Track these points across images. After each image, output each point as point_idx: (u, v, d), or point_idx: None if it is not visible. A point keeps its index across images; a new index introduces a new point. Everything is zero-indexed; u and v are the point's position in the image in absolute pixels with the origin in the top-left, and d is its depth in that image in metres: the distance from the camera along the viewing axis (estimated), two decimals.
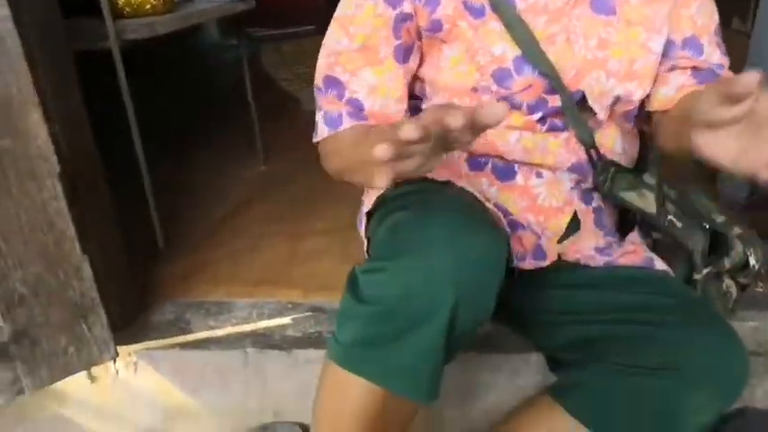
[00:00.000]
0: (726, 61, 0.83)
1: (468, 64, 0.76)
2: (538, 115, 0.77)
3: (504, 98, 0.76)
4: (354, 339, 0.65)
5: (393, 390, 0.65)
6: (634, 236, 0.88)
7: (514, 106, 0.77)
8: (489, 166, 0.81)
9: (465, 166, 0.82)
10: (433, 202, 0.69)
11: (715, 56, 0.82)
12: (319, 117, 0.79)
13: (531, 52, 0.74)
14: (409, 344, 0.62)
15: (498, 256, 0.63)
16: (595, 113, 0.79)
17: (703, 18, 0.81)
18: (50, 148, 0.86)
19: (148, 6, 1.29)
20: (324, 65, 0.79)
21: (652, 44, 0.78)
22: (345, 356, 0.66)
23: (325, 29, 0.79)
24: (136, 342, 1.07)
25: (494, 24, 0.74)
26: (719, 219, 0.90)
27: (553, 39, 0.75)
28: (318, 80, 0.79)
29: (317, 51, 0.80)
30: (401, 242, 0.63)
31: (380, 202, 0.82)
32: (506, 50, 0.74)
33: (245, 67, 1.86)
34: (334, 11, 0.79)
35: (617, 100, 0.79)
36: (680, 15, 0.80)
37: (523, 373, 0.98)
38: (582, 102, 0.78)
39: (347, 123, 0.76)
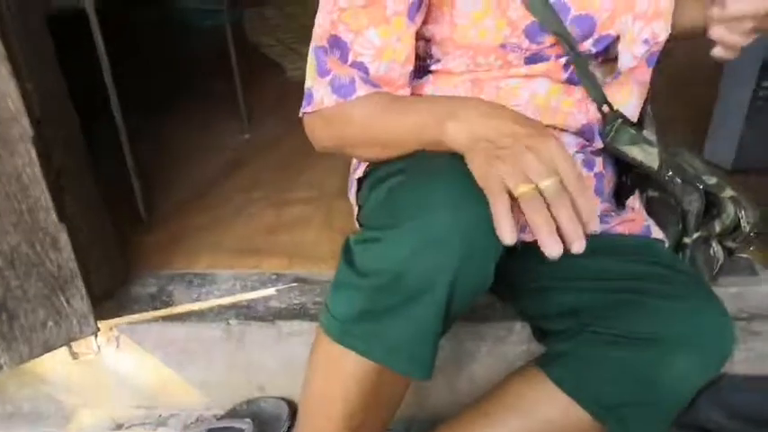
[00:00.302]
0: None
1: (497, 19, 0.69)
2: (563, 60, 0.73)
3: (535, 53, 0.71)
4: (351, 313, 0.63)
5: (395, 368, 0.63)
6: (634, 202, 0.86)
7: (542, 58, 0.72)
8: None
9: None
10: (432, 166, 0.63)
11: None
12: (323, 81, 0.71)
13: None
14: (409, 318, 0.60)
15: None
16: (616, 67, 0.75)
17: None
18: (22, 108, 0.81)
19: None
20: (327, 23, 0.70)
21: None
22: (341, 331, 0.64)
23: None
24: (117, 316, 1.05)
25: None
26: (711, 180, 0.88)
27: None
28: (321, 39, 0.71)
29: (301, 15, 0.74)
30: (399, 209, 0.60)
31: (374, 167, 0.78)
32: (537, 2, 0.68)
33: (228, 32, 1.80)
34: None
35: (646, 44, 0.75)
36: None
37: (508, 341, 0.98)
38: (604, 52, 0.74)
39: (362, 91, 0.69)
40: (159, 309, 1.07)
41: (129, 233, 1.28)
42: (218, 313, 1.05)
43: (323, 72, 0.71)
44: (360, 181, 0.82)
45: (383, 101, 0.70)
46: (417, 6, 0.70)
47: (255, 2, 3.84)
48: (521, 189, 0.54)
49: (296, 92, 0.75)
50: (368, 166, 0.80)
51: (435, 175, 0.60)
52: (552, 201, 0.54)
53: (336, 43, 0.69)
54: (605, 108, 0.76)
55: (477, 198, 0.56)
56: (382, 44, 0.69)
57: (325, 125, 0.73)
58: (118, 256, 1.14)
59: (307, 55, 0.74)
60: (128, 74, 1.33)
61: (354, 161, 0.89)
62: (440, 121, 0.62)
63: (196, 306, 1.07)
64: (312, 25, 0.74)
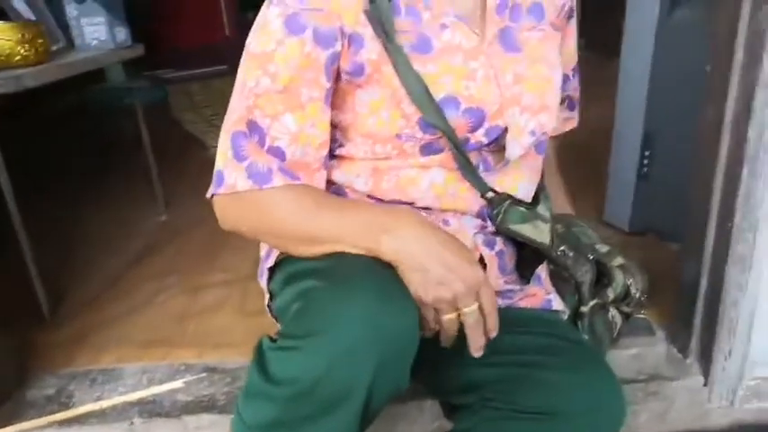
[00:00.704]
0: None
1: (392, 110, 0.72)
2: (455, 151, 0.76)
3: (429, 143, 0.74)
4: (264, 422, 0.61)
5: None
6: (541, 272, 0.89)
7: (436, 150, 0.75)
8: None
9: None
10: (348, 269, 0.65)
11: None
12: (238, 166, 0.70)
13: (424, 101, 0.72)
14: (326, 426, 0.60)
15: (414, 329, 0.62)
16: (504, 155, 0.78)
17: (575, 47, 0.91)
18: None
19: (18, 58, 1.21)
20: (243, 108, 0.71)
21: (556, 79, 0.81)
22: None
23: (236, 67, 0.72)
24: (9, 424, 0.97)
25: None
26: (603, 249, 0.93)
27: (474, 74, 0.74)
28: (238, 123, 0.71)
29: (226, 90, 0.73)
30: (316, 318, 0.60)
31: (286, 258, 0.77)
32: (424, 99, 0.72)
33: (138, 111, 1.79)
34: (241, 49, 0.72)
35: (533, 135, 0.79)
36: (568, 49, 0.89)
37: (420, 420, 0.97)
38: (495, 141, 0.77)
39: (278, 181, 0.70)
40: (56, 412, 1.00)
41: (31, 331, 1.21)
42: (122, 412, 1.00)
43: (239, 157, 0.71)
44: (271, 269, 0.81)
45: (311, 197, 0.71)
46: (332, 92, 0.72)
47: (182, 78, 3.88)
48: (449, 316, 0.65)
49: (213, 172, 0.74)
50: (279, 255, 0.80)
51: (352, 281, 0.62)
52: (469, 324, 0.66)
53: (254, 128, 0.70)
54: (489, 194, 0.80)
55: (395, 307, 0.59)
56: (297, 129, 0.70)
57: (240, 208, 0.73)
58: (12, 358, 1.07)
59: None
60: (36, 156, 1.29)
61: (265, 247, 0.88)
62: (375, 233, 0.66)
63: (98, 406, 1.01)
64: None
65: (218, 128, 0.72)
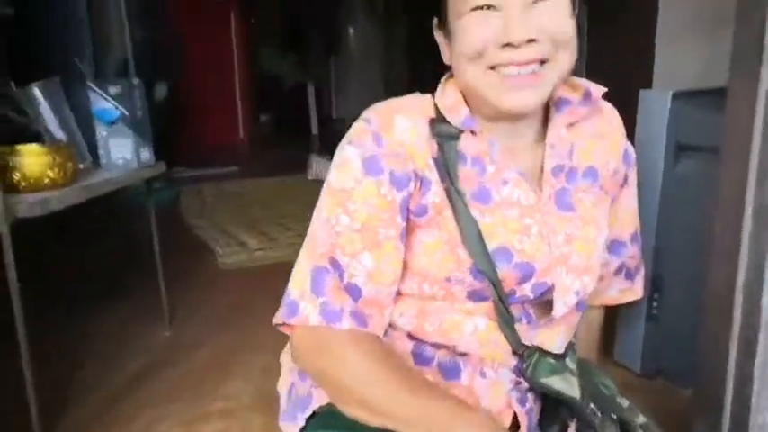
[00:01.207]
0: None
1: (447, 254, 0.75)
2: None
3: (477, 290, 0.76)
4: None
5: None
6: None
7: (483, 297, 0.76)
8: (435, 362, 0.79)
9: (410, 359, 0.79)
10: None
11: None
12: (314, 300, 0.73)
13: (478, 249, 0.74)
14: None
15: None
16: (550, 311, 0.79)
17: (636, 210, 0.94)
18: None
19: (47, 180, 1.26)
20: (327, 243, 0.73)
21: (600, 241, 0.83)
22: None
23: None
24: None
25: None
26: (625, 404, 0.91)
27: (528, 231, 0.76)
28: (322, 259, 0.74)
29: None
30: None
31: (330, 410, 0.76)
32: (478, 248, 0.74)
33: (152, 219, 1.80)
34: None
35: (577, 295, 0.81)
36: (626, 213, 0.92)
37: None
38: (540, 296, 0.79)
39: (346, 324, 0.72)
40: None
41: None
42: None
43: (318, 291, 0.73)
44: (308, 419, 0.80)
45: (383, 361, 0.72)
46: (405, 230, 0.75)
47: (194, 179, 3.97)
48: None
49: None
50: (321, 404, 0.79)
51: None
52: None
53: (336, 265, 0.73)
54: (520, 350, 0.80)
55: None
56: (374, 268, 0.73)
57: (315, 351, 0.73)
58: None
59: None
60: (43, 265, 1.30)
61: (287, 383, 0.87)
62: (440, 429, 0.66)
63: None
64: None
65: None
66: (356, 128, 0.76)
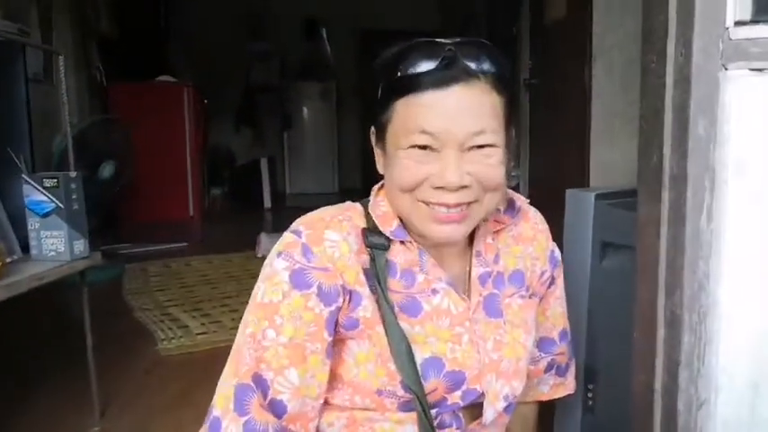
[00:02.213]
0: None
1: (378, 366, 0.75)
2: (434, 411, 0.78)
3: (408, 401, 0.76)
4: None
5: None
6: None
7: (414, 408, 0.76)
8: None
9: None
10: None
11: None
12: (237, 420, 0.71)
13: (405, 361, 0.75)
14: None
15: None
16: (480, 415, 0.80)
17: (564, 307, 0.98)
18: None
19: None
20: (251, 359, 0.73)
21: (528, 344, 0.85)
22: None
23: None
24: None
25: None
26: None
27: (459, 339, 0.78)
28: (245, 376, 0.73)
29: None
30: None
31: None
32: (415, 355, 0.75)
33: (84, 305, 1.73)
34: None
35: (506, 400, 0.82)
36: (554, 312, 0.97)
37: None
38: (468, 404, 0.80)
39: None
40: None
41: None
42: None
43: (241, 411, 0.72)
44: None
45: None
46: (332, 345, 0.75)
47: (139, 255, 3.88)
48: None
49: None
50: None
51: None
52: None
53: (259, 382, 0.72)
54: None
55: None
56: (300, 383, 0.73)
57: None
58: None
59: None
60: None
61: None
62: None
63: None
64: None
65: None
66: (286, 239, 0.77)
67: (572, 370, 1.05)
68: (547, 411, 1.52)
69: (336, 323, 0.75)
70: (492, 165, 0.73)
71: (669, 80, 0.86)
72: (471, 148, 0.72)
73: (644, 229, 0.93)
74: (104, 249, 3.95)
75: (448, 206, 0.73)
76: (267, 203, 6.06)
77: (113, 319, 2.61)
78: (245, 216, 5.57)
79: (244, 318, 0.77)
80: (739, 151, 0.82)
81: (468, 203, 0.74)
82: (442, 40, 0.73)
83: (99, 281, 3.25)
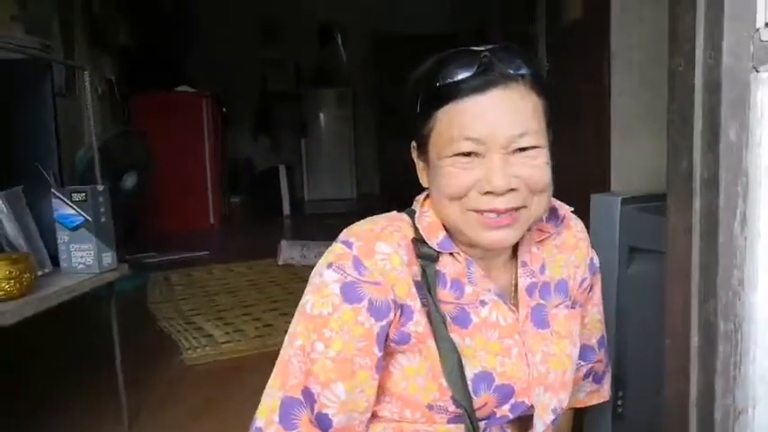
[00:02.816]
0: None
1: (429, 380, 0.75)
2: (483, 423, 0.77)
3: (458, 416, 0.75)
4: None
5: None
6: None
7: (462, 421, 0.76)
8: None
9: None
10: None
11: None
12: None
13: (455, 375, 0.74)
14: None
15: None
16: (526, 429, 0.80)
17: (601, 314, 0.98)
18: None
19: (1, 293, 1.24)
20: (299, 372, 0.73)
21: (574, 355, 0.85)
22: None
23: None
24: None
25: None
26: None
27: (509, 352, 0.78)
28: (293, 390, 0.73)
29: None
30: None
31: None
32: (466, 369, 0.75)
33: (113, 320, 1.76)
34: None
35: (554, 413, 0.81)
36: (592, 319, 0.95)
37: None
38: (517, 417, 0.79)
39: None
40: None
41: None
42: None
43: (288, 425, 0.72)
44: None
45: None
46: (382, 359, 0.74)
47: (162, 264, 3.92)
48: None
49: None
50: None
51: None
52: None
53: (308, 396, 0.72)
54: None
55: None
56: (347, 398, 0.72)
57: None
58: None
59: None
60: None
61: None
62: None
63: None
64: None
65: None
66: (336, 251, 0.76)
67: (608, 377, 1.04)
68: (577, 419, 1.51)
69: (387, 337, 0.75)
70: (538, 166, 0.74)
71: (698, 84, 0.84)
72: (516, 151, 0.72)
73: (674, 236, 0.91)
74: (128, 259, 4.01)
75: (498, 212, 0.72)
76: (286, 211, 6.10)
77: (138, 330, 2.64)
78: (264, 224, 5.60)
79: (291, 329, 0.76)
80: None
81: (517, 209, 0.73)
82: (477, 48, 0.74)
83: (124, 291, 3.30)
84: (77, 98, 3.43)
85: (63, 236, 1.50)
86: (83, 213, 1.47)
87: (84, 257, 1.50)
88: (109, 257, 1.55)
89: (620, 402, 1.40)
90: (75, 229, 1.48)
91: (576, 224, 0.93)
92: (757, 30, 0.80)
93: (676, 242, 0.91)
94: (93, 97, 3.60)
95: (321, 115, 6.60)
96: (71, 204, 1.46)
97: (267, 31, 6.42)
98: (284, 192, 6.09)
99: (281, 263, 3.81)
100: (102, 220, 1.52)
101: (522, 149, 0.72)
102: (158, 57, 4.87)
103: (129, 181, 3.28)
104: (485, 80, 0.72)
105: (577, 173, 3.04)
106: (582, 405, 1.03)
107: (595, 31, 2.79)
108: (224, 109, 5.20)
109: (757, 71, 0.80)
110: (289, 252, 3.81)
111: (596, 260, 0.95)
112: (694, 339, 0.90)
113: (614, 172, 2.75)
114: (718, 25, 0.81)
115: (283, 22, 6.43)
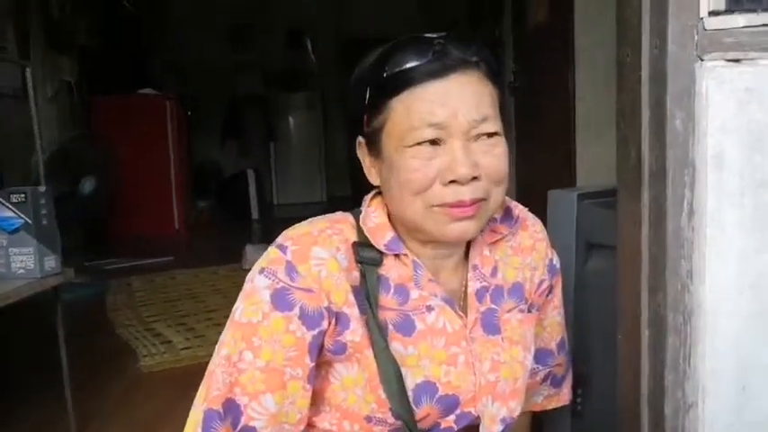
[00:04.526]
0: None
1: (367, 391, 0.71)
2: None
3: (398, 428, 0.72)
4: None
5: None
6: None
7: None
8: None
9: None
10: None
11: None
12: None
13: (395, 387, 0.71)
14: None
15: None
16: None
17: (562, 316, 0.96)
18: None
19: None
20: (224, 383, 0.68)
21: (527, 362, 0.82)
22: None
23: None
24: None
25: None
26: None
27: (455, 360, 0.74)
28: (215, 401, 0.68)
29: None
30: None
31: None
32: (407, 379, 0.72)
33: (58, 321, 1.67)
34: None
35: (503, 423, 0.79)
36: (552, 321, 0.93)
37: None
38: (463, 428, 0.77)
39: None
40: None
41: None
42: None
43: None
44: None
45: None
46: (314, 370, 0.71)
47: (123, 271, 3.82)
48: None
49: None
50: None
51: None
52: None
53: (230, 408, 0.68)
54: None
55: None
56: (276, 410, 0.68)
57: None
58: None
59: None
60: None
61: None
62: None
63: None
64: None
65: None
66: (270, 255, 0.72)
67: (568, 380, 1.02)
68: (533, 416, 1.49)
69: (322, 347, 0.72)
70: (498, 155, 0.72)
71: (645, 74, 0.83)
72: (477, 137, 0.70)
73: (624, 228, 0.90)
74: (89, 265, 3.90)
75: (463, 204, 0.70)
76: (255, 215, 6.02)
77: (95, 337, 2.56)
78: (232, 228, 5.51)
79: (221, 337, 0.72)
80: (717, 145, 0.79)
81: (480, 200, 0.71)
82: (430, 35, 0.72)
83: (83, 297, 3.20)
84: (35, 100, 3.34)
85: (1, 239, 1.43)
86: (22, 216, 1.41)
87: (25, 262, 1.43)
88: (52, 261, 1.49)
89: (578, 400, 1.38)
90: (14, 232, 1.42)
91: (533, 224, 0.91)
92: (701, 19, 0.79)
93: (626, 234, 0.90)
94: (49, 99, 3.50)
95: (290, 119, 6.54)
96: (9, 206, 1.40)
97: (235, 35, 6.34)
98: (253, 196, 6.00)
99: (246, 267, 3.73)
100: (44, 222, 1.46)
101: (484, 136, 0.71)
102: (120, 58, 4.76)
103: (88, 185, 3.19)
104: (443, 64, 0.69)
105: (546, 174, 3.07)
106: (540, 409, 1.01)
107: (559, 32, 2.81)
108: (189, 112, 5.11)
109: (702, 60, 0.79)
110: (254, 256, 3.72)
111: (556, 261, 0.93)
112: (645, 333, 0.89)
113: (580, 172, 2.77)
114: (662, 13, 0.80)
115: (252, 26, 6.36)
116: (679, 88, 0.80)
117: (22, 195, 1.41)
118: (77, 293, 3.17)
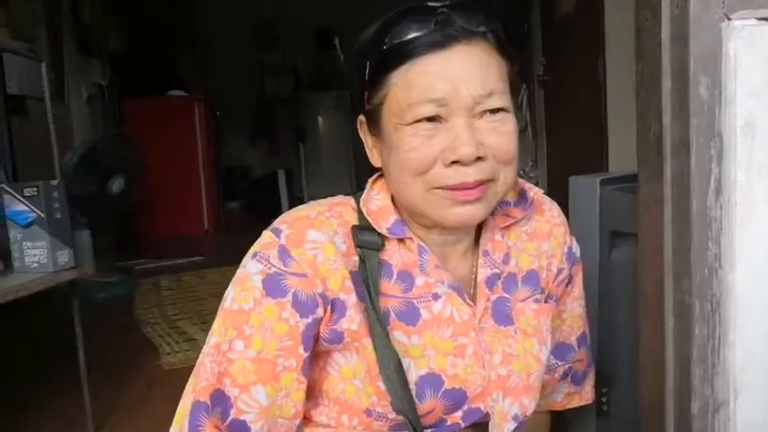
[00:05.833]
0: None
1: (366, 383, 0.68)
2: None
3: (399, 424, 0.68)
4: None
5: None
6: None
7: (407, 429, 0.68)
8: None
9: None
10: None
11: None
12: None
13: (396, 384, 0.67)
14: None
15: None
16: None
17: (583, 308, 0.90)
18: None
19: None
20: (213, 373, 0.65)
21: (543, 356, 0.76)
22: None
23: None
24: None
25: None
26: None
27: (462, 352, 0.70)
28: (203, 393, 0.64)
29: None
30: None
31: None
32: (410, 371, 0.67)
33: (75, 316, 1.67)
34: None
35: (516, 420, 0.73)
36: (572, 314, 0.88)
37: None
38: (472, 426, 0.72)
39: None
40: None
41: None
42: None
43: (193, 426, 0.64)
44: None
45: None
46: (309, 361, 0.67)
47: (151, 271, 3.87)
48: None
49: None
50: None
51: None
52: None
53: (219, 400, 0.64)
54: None
55: None
56: (269, 403, 0.65)
57: None
58: None
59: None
60: None
61: None
62: None
63: None
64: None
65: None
66: (264, 239, 0.69)
67: (590, 378, 0.95)
68: (557, 415, 1.42)
69: (318, 336, 0.67)
70: (506, 132, 0.67)
71: (665, 36, 0.76)
72: (482, 113, 0.65)
73: (645, 208, 0.83)
74: (121, 265, 3.96)
75: (467, 186, 0.65)
76: None
77: (120, 335, 2.58)
78: (262, 228, 5.53)
79: (213, 326, 0.69)
80: (748, 113, 0.71)
81: (486, 181, 0.66)
82: (432, 4, 0.67)
83: (115, 296, 3.25)
84: (67, 103, 3.46)
85: (15, 234, 1.43)
86: (35, 209, 1.40)
87: (38, 256, 1.43)
88: (65, 255, 1.48)
89: (604, 399, 1.30)
90: (27, 226, 1.41)
91: (550, 208, 0.84)
92: None
93: (647, 216, 0.83)
94: (80, 101, 3.58)
95: (319, 119, 6.54)
96: (22, 200, 1.39)
97: (264, 35, 6.38)
98: (283, 196, 6.03)
99: None
100: (57, 216, 1.45)
101: (490, 112, 0.65)
102: (151, 62, 4.84)
103: (117, 185, 3.21)
104: (445, 34, 0.65)
105: (578, 167, 2.97)
106: (561, 408, 0.94)
107: (589, 22, 2.72)
108: (218, 113, 5.16)
109: (729, 19, 0.71)
110: None
111: (576, 249, 0.87)
112: (669, 323, 0.81)
113: (612, 164, 2.67)
114: None
115: (280, 26, 6.39)
116: (703, 51, 0.72)
117: (35, 189, 1.40)
118: (111, 292, 3.23)
